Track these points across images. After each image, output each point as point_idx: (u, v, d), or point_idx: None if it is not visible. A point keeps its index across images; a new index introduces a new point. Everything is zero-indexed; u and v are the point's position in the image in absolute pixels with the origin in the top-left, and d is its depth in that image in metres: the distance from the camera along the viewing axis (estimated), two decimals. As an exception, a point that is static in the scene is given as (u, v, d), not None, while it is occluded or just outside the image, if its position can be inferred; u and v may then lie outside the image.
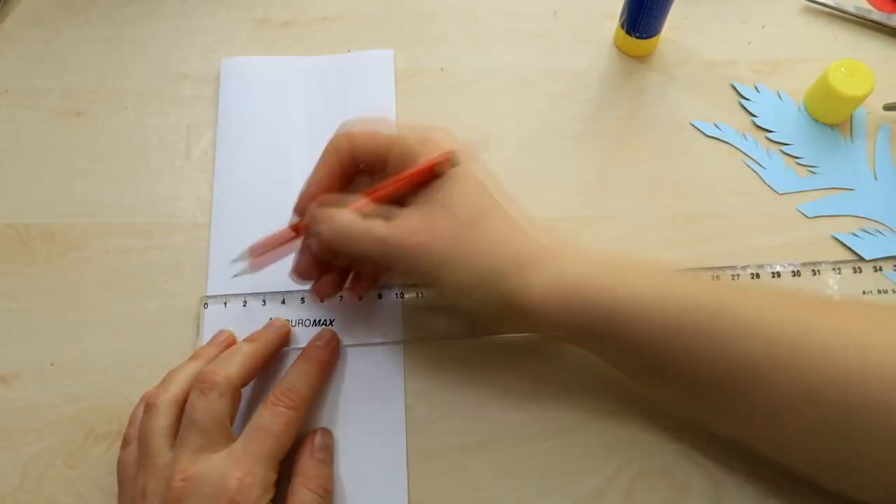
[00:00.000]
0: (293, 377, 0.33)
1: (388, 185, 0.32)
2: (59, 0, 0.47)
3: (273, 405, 0.31)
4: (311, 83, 0.44)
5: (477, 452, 0.35)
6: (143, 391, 0.33)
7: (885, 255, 0.38)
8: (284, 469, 0.31)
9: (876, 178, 0.41)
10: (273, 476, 0.30)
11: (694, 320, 0.29)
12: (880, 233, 0.39)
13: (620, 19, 0.43)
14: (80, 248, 0.39)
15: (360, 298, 0.37)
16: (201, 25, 0.46)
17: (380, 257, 0.32)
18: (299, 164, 0.41)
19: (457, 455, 0.35)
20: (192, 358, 0.34)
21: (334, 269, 0.35)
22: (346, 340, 0.37)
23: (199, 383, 0.31)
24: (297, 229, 0.34)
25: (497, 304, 0.31)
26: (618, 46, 0.45)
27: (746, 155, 0.42)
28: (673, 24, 0.44)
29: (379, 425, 0.35)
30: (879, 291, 0.37)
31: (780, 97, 0.43)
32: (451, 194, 0.30)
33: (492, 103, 0.43)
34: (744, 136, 0.42)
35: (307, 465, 0.32)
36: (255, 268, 0.35)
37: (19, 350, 0.37)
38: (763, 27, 0.45)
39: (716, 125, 0.42)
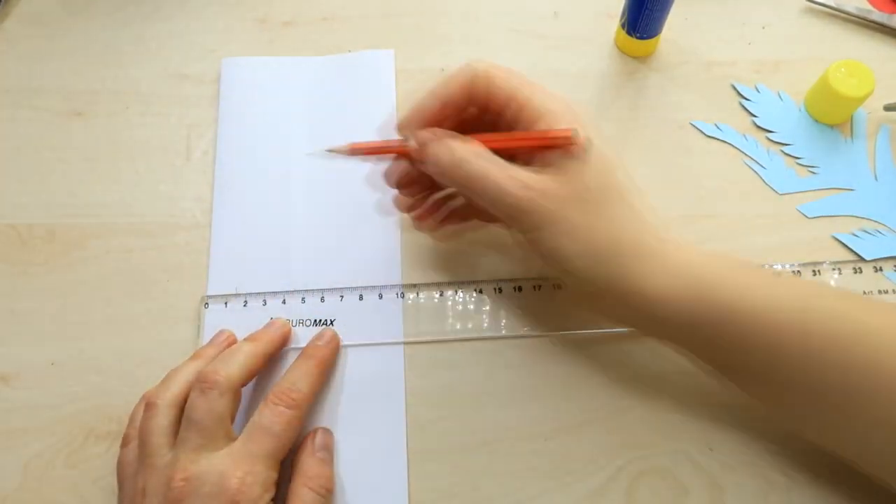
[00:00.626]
0: (293, 376, 0.33)
1: (506, 139, 0.30)
2: (59, 0, 0.47)
3: (273, 404, 0.31)
4: (312, 83, 0.44)
5: (477, 452, 0.35)
6: (144, 391, 0.34)
7: (885, 256, 0.38)
8: (285, 468, 0.31)
9: (876, 179, 0.41)
10: (273, 475, 0.30)
11: (819, 323, 0.28)
12: (880, 233, 0.39)
13: (621, 20, 0.43)
14: (80, 247, 0.39)
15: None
16: (201, 25, 0.46)
17: (491, 202, 0.30)
18: (299, 163, 0.41)
19: (457, 455, 0.35)
20: (193, 358, 0.34)
21: (423, 184, 0.33)
22: (346, 340, 0.37)
23: (199, 383, 0.31)
24: (404, 152, 0.32)
25: (598, 283, 0.30)
26: (618, 46, 0.45)
27: (747, 155, 0.42)
28: (673, 24, 0.44)
29: (379, 425, 0.35)
30: (880, 292, 0.37)
31: (780, 97, 0.43)
32: (581, 166, 0.29)
33: (492, 103, 0.43)
34: (744, 136, 0.42)
35: (308, 464, 0.32)
36: (351, 155, 0.33)
37: (19, 350, 0.37)
38: (763, 27, 0.45)
39: (716, 125, 0.42)
